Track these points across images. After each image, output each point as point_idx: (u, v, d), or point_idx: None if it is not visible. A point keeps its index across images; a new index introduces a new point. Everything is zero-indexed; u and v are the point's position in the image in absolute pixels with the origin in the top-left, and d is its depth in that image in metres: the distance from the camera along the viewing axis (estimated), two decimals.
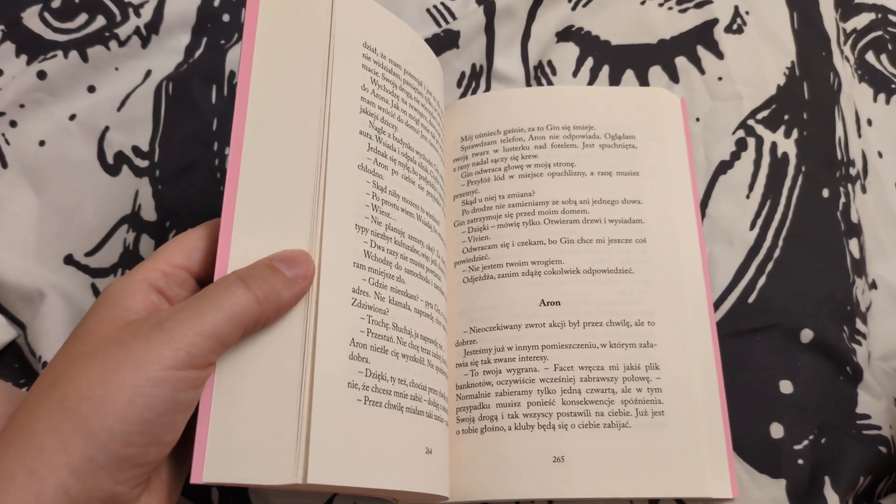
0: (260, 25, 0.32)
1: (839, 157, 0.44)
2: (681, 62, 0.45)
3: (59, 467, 0.24)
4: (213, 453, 0.27)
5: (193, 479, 0.27)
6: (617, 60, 0.45)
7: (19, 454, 0.24)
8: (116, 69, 0.46)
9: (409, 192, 0.34)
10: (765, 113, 0.44)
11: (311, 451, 0.27)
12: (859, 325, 0.41)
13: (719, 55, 0.45)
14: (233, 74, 0.46)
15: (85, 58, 0.46)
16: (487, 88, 0.45)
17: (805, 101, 0.44)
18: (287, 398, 0.28)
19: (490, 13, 0.46)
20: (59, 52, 0.46)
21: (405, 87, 0.36)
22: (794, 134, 0.43)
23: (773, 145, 0.43)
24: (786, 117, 0.44)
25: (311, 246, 0.30)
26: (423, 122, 0.36)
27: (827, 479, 0.37)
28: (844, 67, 0.47)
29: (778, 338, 0.39)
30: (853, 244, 0.42)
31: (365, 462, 0.29)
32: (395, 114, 0.34)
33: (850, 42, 0.49)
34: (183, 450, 0.29)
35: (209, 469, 0.27)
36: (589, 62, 0.45)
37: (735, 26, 0.46)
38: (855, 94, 0.47)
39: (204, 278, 0.30)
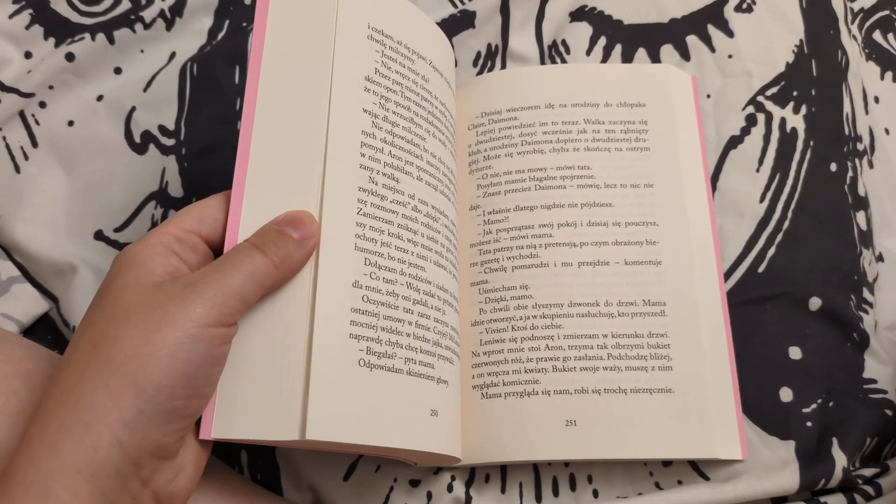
0: (272, 3, 0.34)
1: (847, 132, 0.45)
2: (692, 40, 0.46)
3: (113, 421, 0.25)
4: (221, 410, 0.29)
5: (202, 436, 0.29)
6: (629, 39, 0.46)
7: (72, 412, 0.26)
8: (142, 51, 0.48)
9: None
10: (774, 89, 0.45)
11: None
12: (866, 294, 0.42)
13: (729, 33, 0.46)
14: None
15: (111, 40, 0.47)
16: (503, 67, 0.47)
17: (813, 78, 0.45)
18: (291, 356, 0.30)
19: None
20: (87, 35, 0.47)
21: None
22: (803, 110, 0.44)
23: (783, 121, 0.44)
24: (794, 94, 0.45)
25: (316, 208, 0.31)
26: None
27: (835, 440, 0.38)
28: (852, 46, 0.48)
29: (787, 306, 0.40)
30: (860, 216, 0.43)
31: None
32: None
33: (857, 21, 0.50)
34: None
35: (217, 426, 0.29)
36: (602, 41, 0.46)
37: (745, 5, 0.47)
38: (862, 72, 0.48)
39: (214, 242, 0.32)
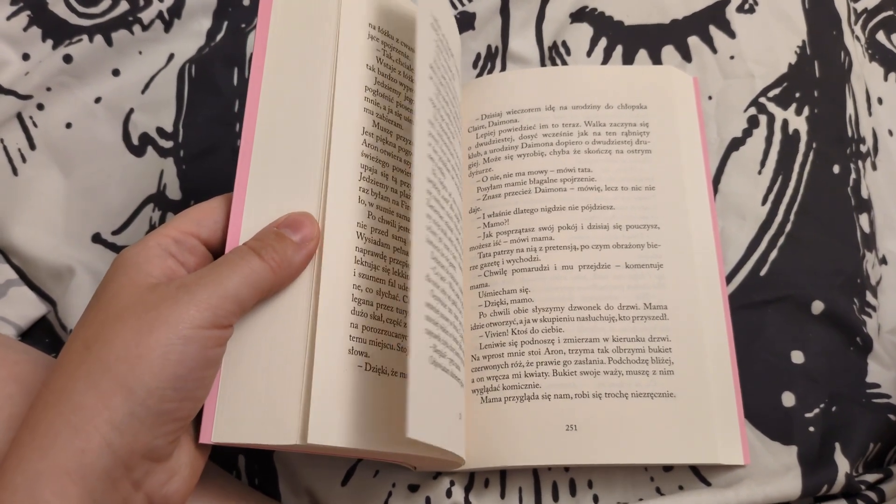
0: (275, 5, 0.34)
1: (850, 134, 0.44)
2: (693, 41, 0.46)
3: (102, 423, 0.25)
4: (221, 414, 0.29)
5: (202, 440, 0.29)
6: (630, 40, 0.46)
7: (62, 413, 0.26)
8: (140, 53, 0.47)
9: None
10: (776, 91, 0.44)
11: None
12: (869, 297, 0.41)
13: (731, 34, 0.46)
14: None
15: (109, 42, 0.47)
16: (503, 69, 0.46)
17: (816, 80, 0.45)
18: (293, 361, 0.29)
19: None
20: (85, 37, 0.47)
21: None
22: (805, 111, 0.44)
23: (785, 122, 0.44)
24: (797, 95, 0.44)
25: (317, 211, 0.31)
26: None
27: (837, 445, 0.38)
28: (855, 46, 0.47)
29: (789, 310, 0.40)
30: (863, 219, 0.43)
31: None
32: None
33: (860, 21, 0.50)
34: None
35: (217, 429, 0.29)
36: (602, 42, 0.46)
37: (747, 6, 0.46)
38: (865, 73, 0.48)
39: (213, 245, 0.31)
